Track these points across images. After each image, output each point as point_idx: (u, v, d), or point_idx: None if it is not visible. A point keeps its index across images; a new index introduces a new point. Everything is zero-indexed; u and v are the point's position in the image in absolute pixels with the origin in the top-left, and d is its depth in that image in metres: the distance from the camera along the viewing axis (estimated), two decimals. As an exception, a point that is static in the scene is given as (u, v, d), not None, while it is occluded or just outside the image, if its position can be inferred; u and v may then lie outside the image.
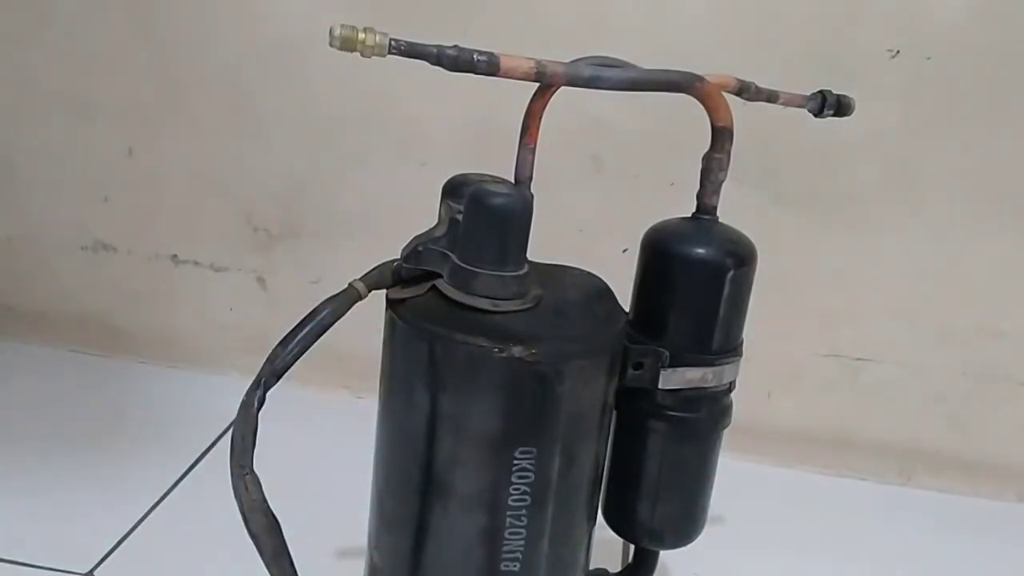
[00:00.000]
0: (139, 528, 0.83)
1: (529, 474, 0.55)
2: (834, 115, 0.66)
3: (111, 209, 1.07)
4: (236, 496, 0.52)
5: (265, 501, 0.52)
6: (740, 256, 0.60)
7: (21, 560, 0.77)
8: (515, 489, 0.55)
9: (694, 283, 0.59)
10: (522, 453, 0.55)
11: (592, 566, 0.67)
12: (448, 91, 0.96)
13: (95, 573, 0.77)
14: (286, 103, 1.01)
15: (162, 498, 0.87)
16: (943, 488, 1.02)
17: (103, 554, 0.79)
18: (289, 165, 1.03)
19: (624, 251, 0.97)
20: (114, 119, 1.04)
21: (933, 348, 1.00)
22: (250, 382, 0.54)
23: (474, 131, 0.98)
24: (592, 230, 1.01)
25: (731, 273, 0.59)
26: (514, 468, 0.55)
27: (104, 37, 1.02)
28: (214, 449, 0.96)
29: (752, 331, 0.99)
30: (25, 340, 1.11)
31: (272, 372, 0.53)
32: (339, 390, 1.06)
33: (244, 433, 0.52)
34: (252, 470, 0.52)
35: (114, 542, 0.81)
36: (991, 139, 0.94)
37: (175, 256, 1.08)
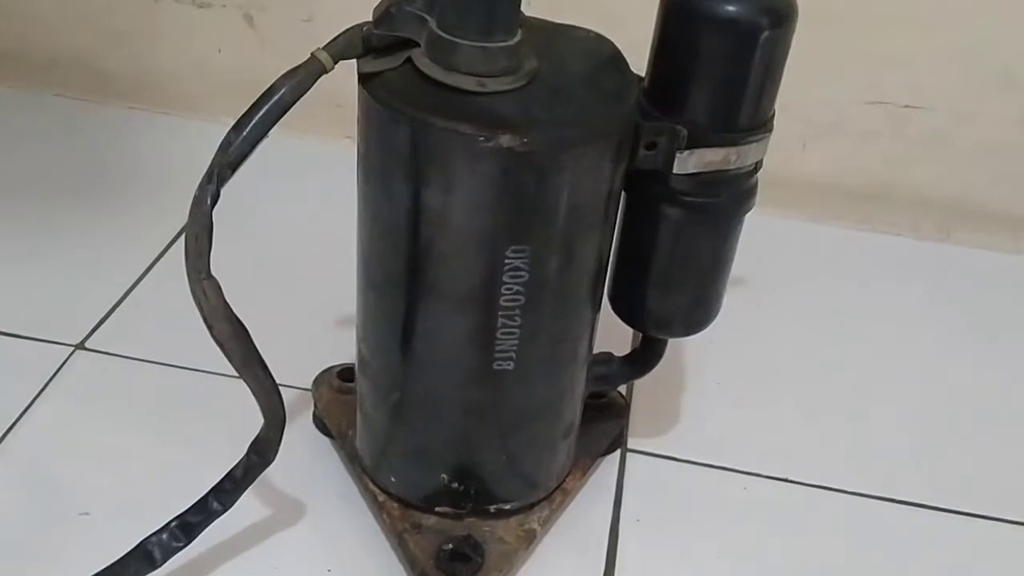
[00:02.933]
0: (132, 294, 0.80)
1: (523, 273, 0.49)
2: None
3: (77, -64, 0.96)
4: (196, 303, 0.47)
5: (227, 306, 0.47)
6: (778, 12, 0.50)
7: (6, 330, 0.74)
8: (507, 289, 0.50)
9: (720, 46, 0.50)
10: (514, 252, 0.48)
11: (598, 349, 0.64)
12: None
13: (86, 344, 0.74)
14: None
15: (156, 260, 0.83)
16: (984, 244, 0.96)
17: (95, 323, 0.76)
18: None
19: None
20: None
21: (990, 94, 0.90)
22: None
23: None
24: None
25: (766, 34, 0.50)
26: (506, 268, 0.49)
27: None
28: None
29: (790, 74, 0.90)
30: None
31: (226, 163, 0.46)
32: (342, 139, 0.99)
33: (197, 234, 0.46)
34: (210, 274, 0.46)
35: (106, 310, 0.78)
36: None
37: (153, -11, 0.98)
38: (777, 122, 0.93)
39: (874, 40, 0.89)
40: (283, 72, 0.47)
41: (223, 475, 0.55)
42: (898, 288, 0.90)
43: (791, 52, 0.85)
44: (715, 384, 0.77)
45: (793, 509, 0.67)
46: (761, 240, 0.91)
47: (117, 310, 0.78)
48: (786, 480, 0.70)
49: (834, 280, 0.90)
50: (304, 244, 0.86)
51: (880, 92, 0.91)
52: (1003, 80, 0.89)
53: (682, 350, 0.78)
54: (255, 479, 0.55)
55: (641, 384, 0.73)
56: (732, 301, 0.82)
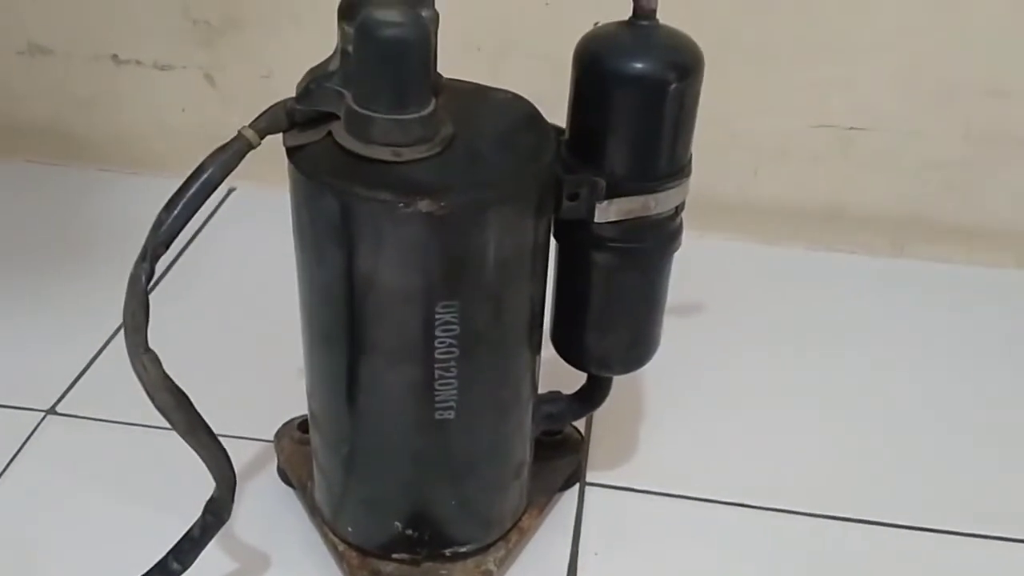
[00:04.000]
0: (101, 356, 0.82)
1: (454, 327, 0.51)
2: None
3: (39, 8, 0.99)
4: (137, 376, 0.49)
5: (167, 377, 0.49)
6: (683, 66, 0.52)
7: (-24, 400, 0.76)
8: (440, 343, 0.52)
9: (631, 103, 0.52)
10: (444, 307, 0.51)
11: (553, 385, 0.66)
12: None
13: (57, 408, 0.76)
14: None
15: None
16: (938, 258, 0.98)
17: (65, 387, 0.78)
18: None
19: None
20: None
21: (931, 112, 0.92)
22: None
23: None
24: (559, 3, 0.91)
25: (673, 87, 0.52)
26: (437, 323, 0.51)
27: None
28: (179, 262, 0.93)
29: (737, 105, 0.93)
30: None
31: (159, 242, 0.48)
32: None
33: (134, 311, 0.48)
34: (148, 348, 0.48)
35: (76, 373, 0.80)
36: None
37: (115, 56, 1.01)
38: (729, 150, 0.96)
39: (815, 67, 0.91)
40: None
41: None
42: (855, 306, 0.92)
43: (738, 83, 0.89)
44: (673, 411, 0.78)
45: (752, 534, 0.69)
46: (717, 265, 0.94)
47: (87, 373, 0.80)
48: (744, 505, 0.71)
49: (790, 302, 0.92)
50: (271, 295, 0.88)
51: (825, 116, 0.94)
52: (943, 98, 0.91)
53: (640, 378, 0.80)
54: (212, 537, 0.57)
55: (600, 416, 0.75)
56: (689, 327, 0.85)
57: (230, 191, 1.03)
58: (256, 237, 0.95)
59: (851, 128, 0.94)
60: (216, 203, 1.01)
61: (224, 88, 1.01)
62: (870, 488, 0.72)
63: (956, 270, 0.97)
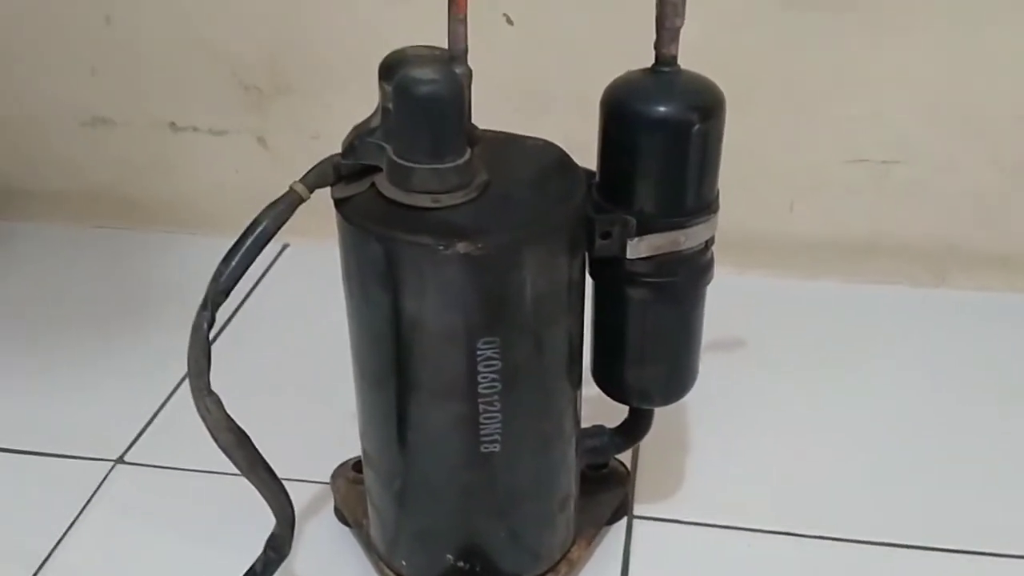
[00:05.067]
0: (166, 406, 0.85)
1: (496, 362, 0.54)
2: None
3: (99, 82, 1.05)
4: (200, 417, 0.53)
5: (229, 418, 0.53)
6: (705, 108, 0.55)
7: (47, 451, 0.80)
8: (483, 378, 0.54)
9: (656, 144, 0.55)
10: (485, 344, 0.53)
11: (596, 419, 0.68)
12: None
13: (125, 458, 0.80)
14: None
15: (187, 373, 0.89)
16: (978, 286, 0.98)
17: (133, 437, 0.82)
18: (270, 17, 0.98)
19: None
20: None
21: (963, 142, 0.93)
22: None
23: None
24: (588, 51, 0.95)
25: (696, 128, 0.55)
26: (479, 359, 0.54)
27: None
28: (237, 315, 0.97)
29: (771, 142, 0.95)
30: (42, 221, 1.12)
31: (218, 291, 0.52)
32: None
33: (197, 356, 0.51)
34: (211, 391, 0.52)
35: (143, 424, 0.83)
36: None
37: (173, 123, 1.06)
38: (764, 186, 0.98)
39: (845, 102, 0.93)
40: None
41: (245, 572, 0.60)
42: (895, 336, 0.93)
43: (771, 120, 0.91)
44: (718, 443, 0.80)
45: (801, 562, 0.70)
46: (757, 300, 0.95)
47: (153, 423, 0.84)
48: (791, 534, 0.72)
49: (830, 334, 0.93)
50: (325, 344, 0.91)
51: (858, 151, 0.95)
52: (972, 127, 0.92)
53: (684, 412, 0.82)
54: (273, 573, 0.59)
55: (645, 449, 0.76)
56: (732, 361, 0.87)
57: (284, 247, 1.07)
58: (309, 290, 0.99)
59: (884, 161, 0.95)
60: (271, 259, 1.06)
61: (275, 149, 1.05)
62: (916, 514, 0.73)
63: (996, 298, 0.98)
